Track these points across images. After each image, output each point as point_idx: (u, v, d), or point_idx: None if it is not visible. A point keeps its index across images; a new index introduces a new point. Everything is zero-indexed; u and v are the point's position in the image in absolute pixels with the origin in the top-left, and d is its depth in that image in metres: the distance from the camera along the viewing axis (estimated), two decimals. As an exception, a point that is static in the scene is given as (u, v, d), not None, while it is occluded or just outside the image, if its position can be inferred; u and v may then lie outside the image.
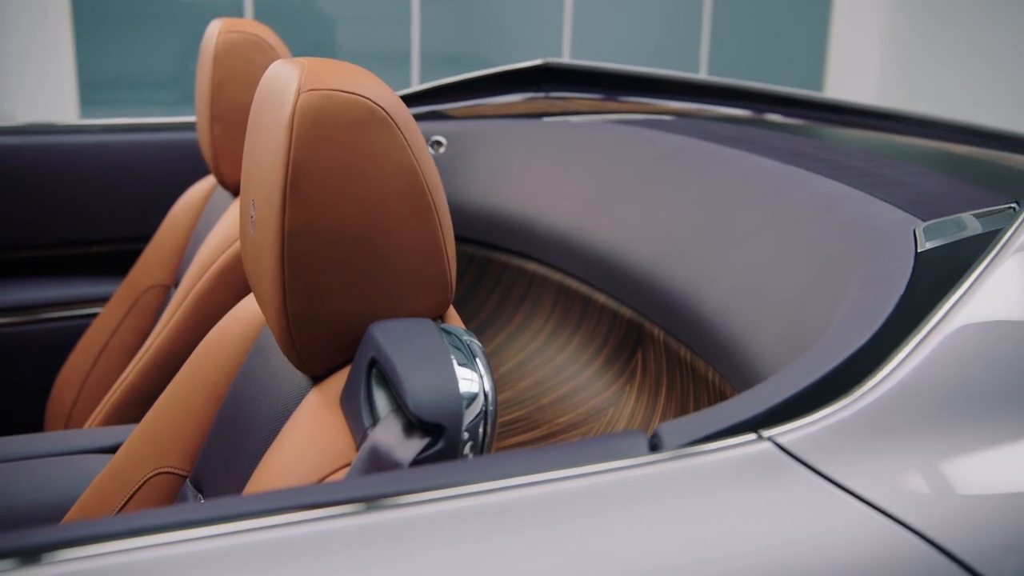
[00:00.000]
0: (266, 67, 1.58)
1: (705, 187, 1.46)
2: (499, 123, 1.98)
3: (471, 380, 0.82)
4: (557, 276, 1.77)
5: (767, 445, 0.65)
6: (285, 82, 0.87)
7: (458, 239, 1.98)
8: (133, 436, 1.19)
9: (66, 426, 1.85)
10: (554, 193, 1.73)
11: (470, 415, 0.81)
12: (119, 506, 1.14)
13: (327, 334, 0.86)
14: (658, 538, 0.59)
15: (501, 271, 1.91)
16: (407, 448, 0.78)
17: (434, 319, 0.91)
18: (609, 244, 1.55)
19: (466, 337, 0.87)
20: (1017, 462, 0.71)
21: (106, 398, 1.53)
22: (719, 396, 1.31)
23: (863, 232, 1.12)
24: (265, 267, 0.86)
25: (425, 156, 0.88)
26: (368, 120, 0.84)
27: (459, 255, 1.99)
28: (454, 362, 0.83)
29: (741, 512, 0.61)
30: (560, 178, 1.75)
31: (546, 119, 1.96)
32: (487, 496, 0.61)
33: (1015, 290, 0.85)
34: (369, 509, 0.58)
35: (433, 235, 0.88)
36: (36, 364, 1.99)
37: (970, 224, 1.10)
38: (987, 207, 1.15)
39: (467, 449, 0.81)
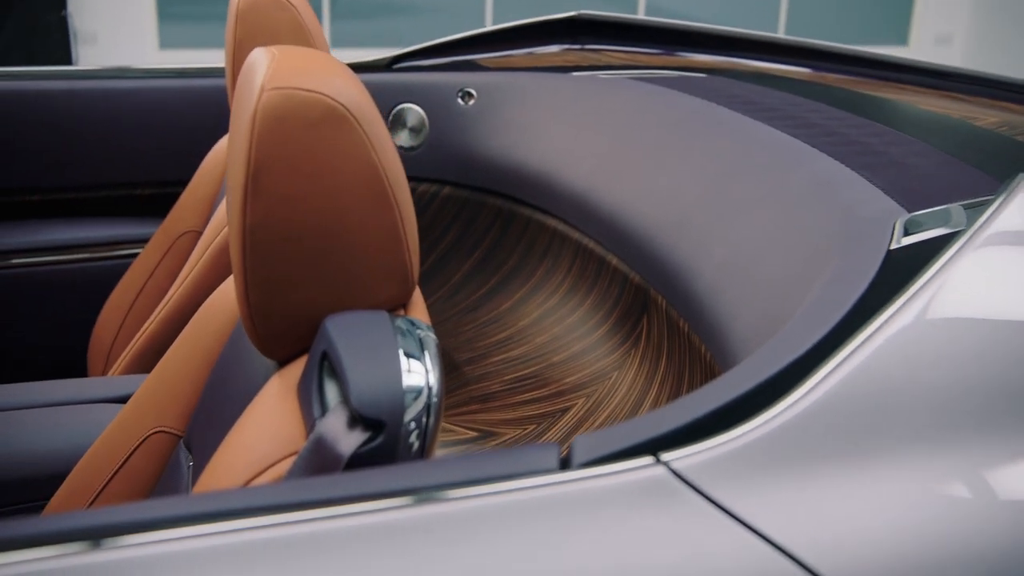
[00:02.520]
0: (287, 26, 1.61)
1: (714, 156, 1.45)
2: (529, 76, 1.98)
3: (418, 374, 0.85)
4: (576, 234, 1.79)
5: (662, 470, 0.67)
6: (254, 76, 0.89)
7: (485, 191, 2.01)
8: (139, 391, 1.25)
9: (106, 362, 1.94)
10: (575, 152, 1.74)
11: (415, 408, 0.84)
12: (121, 461, 1.20)
13: (287, 324, 0.90)
14: (534, 564, 0.62)
15: (526, 224, 1.94)
16: (349, 441, 0.81)
17: (396, 308, 0.94)
18: (620, 208, 1.56)
19: (419, 331, 0.90)
20: (912, 496, 0.72)
21: (129, 346, 1.61)
22: (710, 373, 1.33)
23: (847, 222, 1.12)
24: (233, 256, 0.90)
25: (387, 151, 0.90)
26: (328, 118, 0.87)
27: (486, 207, 2.01)
28: (402, 356, 0.86)
29: (623, 538, 0.64)
30: (582, 136, 1.76)
31: (575, 73, 1.96)
32: (384, 514, 0.64)
33: (958, 296, 0.85)
34: (253, 527, 0.62)
35: (393, 230, 0.90)
36: (80, 301, 2.08)
37: (955, 217, 1.09)
38: (984, 196, 1.14)
39: (413, 438, 0.85)
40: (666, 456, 0.68)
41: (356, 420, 0.82)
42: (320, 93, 0.87)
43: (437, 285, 2.09)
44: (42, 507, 1.27)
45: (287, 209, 0.86)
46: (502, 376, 1.77)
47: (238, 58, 1.61)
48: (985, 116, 1.63)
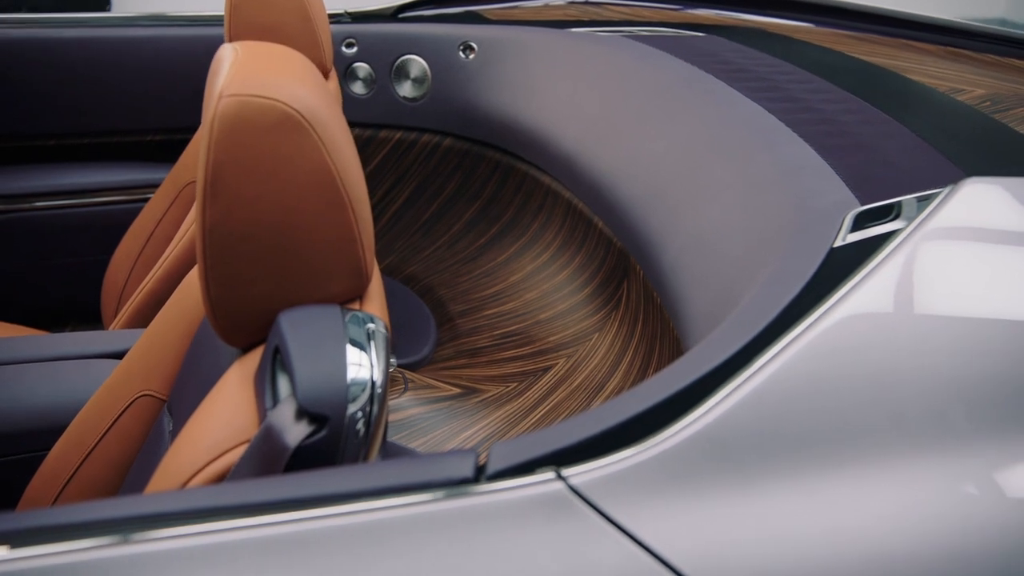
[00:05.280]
0: None
1: (694, 130, 1.48)
2: (528, 31, 2.00)
3: (364, 367, 0.91)
4: (567, 193, 1.83)
5: (560, 485, 0.73)
6: (217, 78, 0.94)
7: (484, 144, 2.05)
8: (130, 353, 1.32)
9: (118, 303, 2.01)
10: (567, 113, 1.77)
11: (359, 402, 0.90)
12: (112, 421, 1.28)
13: (246, 315, 0.96)
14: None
15: (522, 179, 1.98)
16: (295, 433, 0.88)
17: (351, 300, 1.00)
18: (605, 174, 1.60)
19: (370, 324, 0.95)
20: (803, 513, 0.76)
21: (130, 300, 1.68)
22: (675, 346, 1.38)
23: (799, 213, 1.15)
24: (197, 250, 0.96)
25: (342, 153, 0.95)
26: (283, 124, 0.91)
27: (485, 159, 2.05)
28: (350, 349, 0.92)
29: (513, 553, 0.70)
30: (575, 98, 1.78)
31: (574, 30, 1.97)
32: (295, 525, 0.70)
33: (881, 302, 0.89)
34: (164, 538, 0.68)
35: (347, 229, 0.95)
36: (95, 243, 2.15)
37: (905, 210, 1.12)
38: (937, 187, 1.16)
39: (359, 426, 0.91)
40: (567, 471, 0.74)
41: (302, 414, 0.89)
42: (275, 100, 0.91)
43: (440, 233, 2.14)
44: (42, 457, 1.36)
45: (243, 210, 0.91)
46: (491, 331, 1.83)
47: (235, 21, 1.65)
48: (973, 87, 1.63)
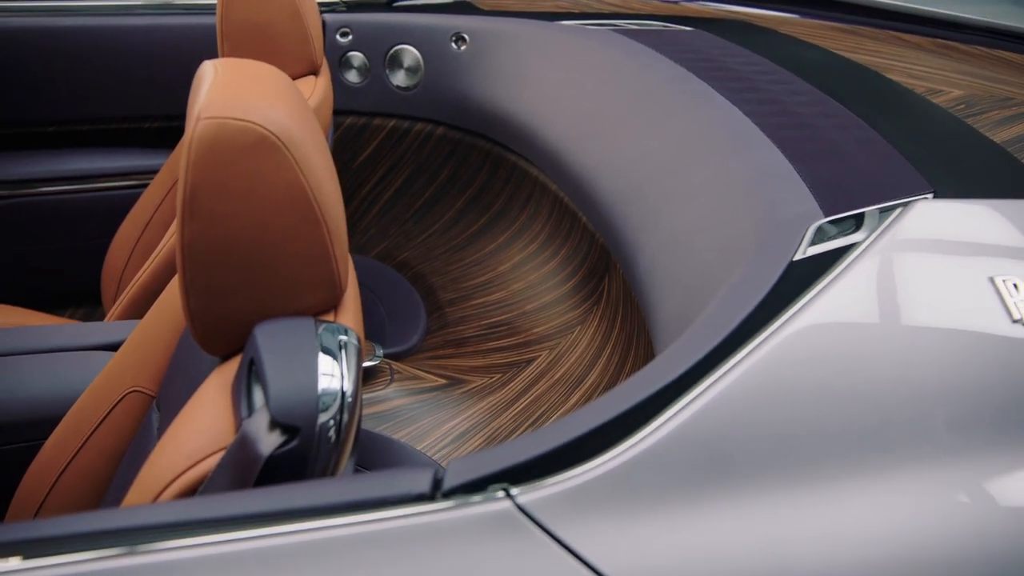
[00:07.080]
0: None
1: (676, 131, 1.51)
2: (519, 23, 2.03)
3: (335, 378, 0.96)
4: (553, 187, 1.86)
5: (508, 503, 0.77)
6: (197, 97, 0.98)
7: (475, 134, 2.08)
8: (124, 346, 1.37)
9: (118, 286, 2.06)
10: (555, 107, 1.80)
11: (330, 412, 0.95)
12: (104, 415, 1.33)
13: (223, 326, 1.00)
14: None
15: (512, 170, 2.01)
16: (268, 442, 0.92)
17: (326, 312, 1.04)
18: (588, 170, 1.63)
19: (342, 336, 1.00)
20: (748, 532, 0.81)
21: (126, 291, 1.72)
22: (650, 346, 1.42)
23: (764, 224, 1.18)
24: (177, 263, 1.00)
25: (315, 173, 0.99)
26: (259, 146, 0.95)
27: (477, 149, 2.09)
28: (322, 360, 0.96)
29: (461, 573, 0.74)
30: (562, 93, 1.81)
31: (564, 22, 2.00)
32: (255, 542, 0.75)
33: (829, 323, 0.93)
34: (124, 553, 0.73)
35: (321, 245, 0.99)
36: (95, 228, 2.20)
37: (868, 222, 1.15)
38: (902, 197, 1.20)
39: (330, 433, 0.96)
40: (517, 489, 0.78)
41: (275, 424, 0.93)
42: (251, 122, 0.94)
43: (434, 219, 2.18)
44: (39, 446, 1.41)
45: (220, 227, 0.96)
46: (479, 320, 1.88)
47: (227, 18, 1.68)
48: (951, 88, 1.65)
